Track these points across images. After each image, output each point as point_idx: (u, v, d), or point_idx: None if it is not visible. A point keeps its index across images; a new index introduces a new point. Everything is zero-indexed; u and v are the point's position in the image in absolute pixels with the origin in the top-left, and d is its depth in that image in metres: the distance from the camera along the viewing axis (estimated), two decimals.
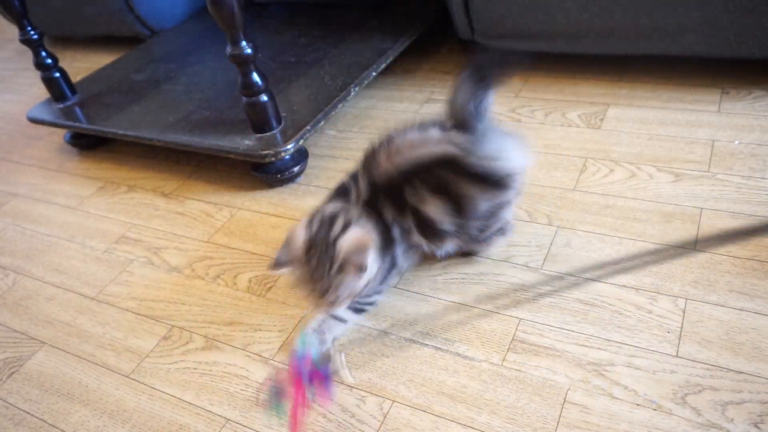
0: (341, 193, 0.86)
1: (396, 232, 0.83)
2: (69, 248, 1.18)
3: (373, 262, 0.77)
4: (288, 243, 0.79)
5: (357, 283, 0.77)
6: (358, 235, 0.76)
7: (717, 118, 1.15)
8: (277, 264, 0.78)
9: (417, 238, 0.84)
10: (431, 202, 0.80)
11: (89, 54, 2.13)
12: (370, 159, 0.84)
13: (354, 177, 0.87)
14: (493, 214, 0.84)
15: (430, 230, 0.83)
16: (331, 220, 0.78)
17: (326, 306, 0.78)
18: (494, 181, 0.80)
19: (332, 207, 0.81)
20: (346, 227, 0.77)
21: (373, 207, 0.82)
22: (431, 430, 0.74)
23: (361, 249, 0.74)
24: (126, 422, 0.82)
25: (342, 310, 0.85)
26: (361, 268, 0.75)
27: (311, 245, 0.76)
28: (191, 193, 1.27)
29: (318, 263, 0.75)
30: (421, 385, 0.79)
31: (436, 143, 0.80)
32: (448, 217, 0.81)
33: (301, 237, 0.78)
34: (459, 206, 0.80)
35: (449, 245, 0.87)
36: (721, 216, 0.94)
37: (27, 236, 1.25)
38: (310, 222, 0.79)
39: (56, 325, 1.01)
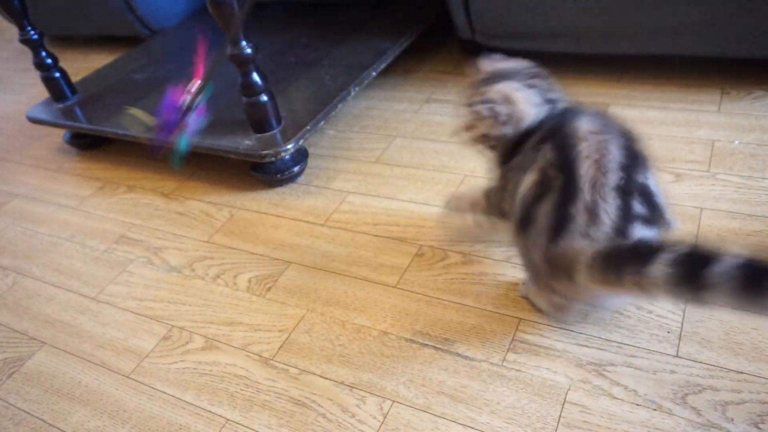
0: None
1: None
2: (69, 248, 1.18)
3: None
4: None
5: None
6: None
7: (717, 118, 1.15)
8: None
9: None
10: None
11: (89, 54, 2.13)
12: None
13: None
14: None
15: None
16: None
17: None
18: None
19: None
20: None
21: None
22: (431, 430, 0.74)
23: None
24: (126, 422, 0.82)
25: None
26: None
27: None
28: (191, 193, 1.27)
29: None
30: (421, 385, 0.79)
31: None
32: None
33: None
34: None
35: None
36: (721, 216, 0.94)
37: (27, 236, 1.25)
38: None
39: (56, 325, 1.01)
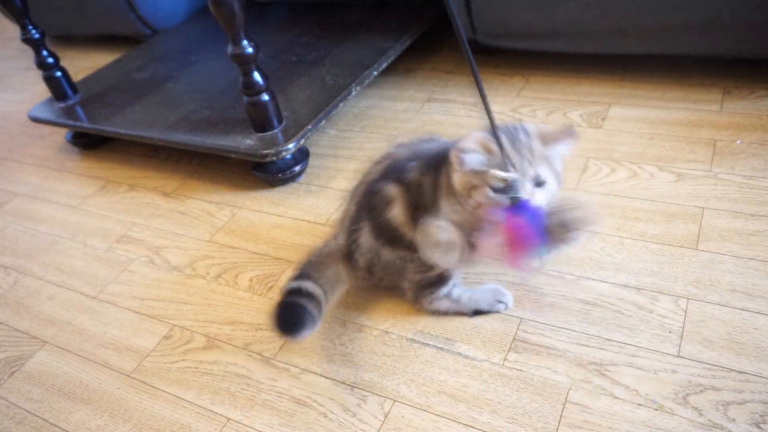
0: None
1: None
2: (70, 247, 1.18)
3: None
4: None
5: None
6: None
7: (719, 118, 1.14)
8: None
9: None
10: None
11: (90, 53, 2.13)
12: None
13: None
14: None
15: None
16: None
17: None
18: None
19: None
20: None
21: None
22: (432, 429, 0.74)
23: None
24: (127, 421, 0.83)
25: None
26: None
27: None
28: (192, 192, 1.27)
29: None
30: (422, 384, 0.79)
31: None
32: None
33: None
34: None
35: None
36: (722, 216, 0.94)
37: (28, 235, 1.25)
38: None
39: (57, 325, 1.01)
